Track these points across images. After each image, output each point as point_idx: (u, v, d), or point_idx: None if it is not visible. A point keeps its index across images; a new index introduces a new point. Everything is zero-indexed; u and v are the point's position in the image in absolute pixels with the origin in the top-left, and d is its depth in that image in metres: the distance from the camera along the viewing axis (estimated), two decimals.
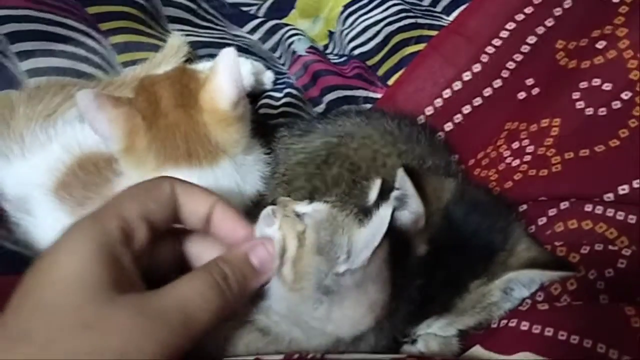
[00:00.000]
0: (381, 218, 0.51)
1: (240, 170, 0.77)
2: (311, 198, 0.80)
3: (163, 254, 0.56)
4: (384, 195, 0.68)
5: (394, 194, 0.68)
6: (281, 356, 0.52)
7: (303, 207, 0.57)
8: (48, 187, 0.76)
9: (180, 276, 0.49)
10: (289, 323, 0.56)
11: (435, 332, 0.66)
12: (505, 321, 0.65)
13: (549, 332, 0.60)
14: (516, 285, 0.65)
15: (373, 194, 0.66)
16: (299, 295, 0.54)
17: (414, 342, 0.66)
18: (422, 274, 0.62)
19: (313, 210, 0.57)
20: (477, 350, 0.64)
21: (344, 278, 0.53)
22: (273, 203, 0.59)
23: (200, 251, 0.57)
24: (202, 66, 0.89)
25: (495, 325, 0.67)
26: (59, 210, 0.75)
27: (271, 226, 0.56)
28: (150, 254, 0.52)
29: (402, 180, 0.66)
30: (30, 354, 0.41)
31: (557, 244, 0.71)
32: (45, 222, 0.75)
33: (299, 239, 0.54)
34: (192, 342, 0.46)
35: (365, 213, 0.55)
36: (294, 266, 0.54)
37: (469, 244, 0.65)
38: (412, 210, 0.66)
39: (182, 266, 0.56)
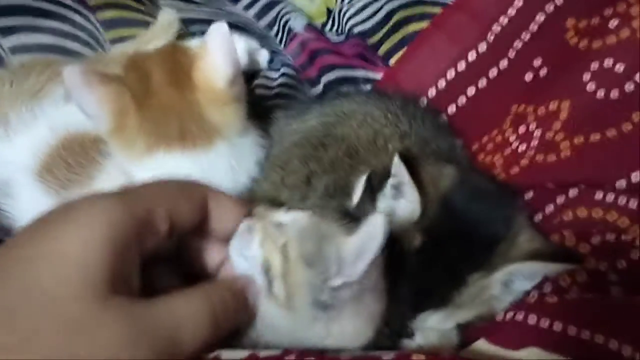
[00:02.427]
0: (375, 227, 0.48)
1: (236, 153, 0.74)
2: (308, 182, 0.78)
3: (165, 249, 0.51)
4: (378, 184, 0.66)
5: (390, 181, 0.65)
6: (279, 351, 0.50)
7: (282, 217, 0.54)
8: (31, 169, 0.73)
9: (176, 287, 0.46)
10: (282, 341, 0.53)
11: (432, 326, 0.64)
12: (511, 314, 0.63)
13: (557, 326, 0.58)
14: (517, 277, 0.62)
15: (357, 195, 0.63)
16: (294, 313, 0.51)
17: (411, 335, 0.64)
18: (418, 266, 0.59)
19: (292, 219, 0.54)
20: (482, 344, 0.62)
21: (341, 291, 0.50)
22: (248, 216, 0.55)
23: (208, 255, 0.54)
24: (194, 43, 0.86)
25: (500, 318, 0.64)
26: (42, 193, 0.72)
27: (250, 246, 0.52)
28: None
29: (398, 167, 0.63)
30: (9, 343, 0.37)
31: (565, 233, 0.68)
32: (27, 205, 0.73)
33: (283, 253, 0.51)
34: None
35: (349, 216, 0.54)
36: (284, 281, 0.51)
37: (468, 235, 0.62)
38: (409, 199, 0.63)
39: (180, 264, 0.53)
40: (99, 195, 0.45)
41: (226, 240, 0.53)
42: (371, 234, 0.49)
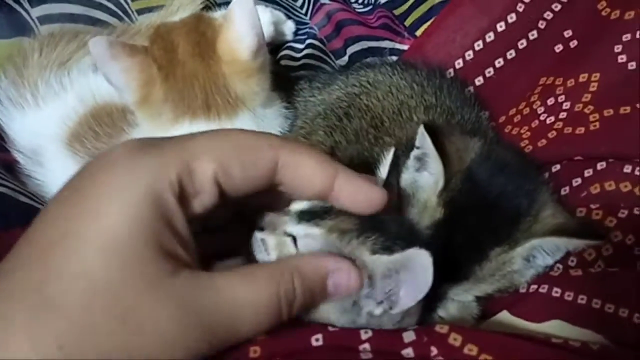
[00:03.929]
0: (422, 266, 0.45)
1: (260, 124, 0.74)
2: (332, 154, 0.77)
3: (219, 216, 0.45)
4: (402, 156, 0.64)
5: (414, 153, 0.64)
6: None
7: (293, 227, 0.50)
8: (61, 138, 0.74)
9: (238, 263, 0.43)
10: None
11: (452, 298, 0.63)
12: (535, 286, 0.62)
13: (582, 299, 0.57)
14: (540, 252, 0.62)
15: (383, 171, 0.61)
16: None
17: (432, 307, 0.63)
18: (439, 239, 0.58)
19: (305, 234, 0.49)
20: (504, 315, 0.61)
21: (381, 318, 0.49)
22: (260, 227, 0.50)
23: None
24: (219, 14, 0.86)
25: (524, 291, 0.63)
26: (71, 161, 0.73)
27: (266, 259, 0.49)
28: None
29: (422, 138, 0.62)
30: (54, 335, 0.33)
31: (592, 206, 0.67)
32: (56, 174, 0.74)
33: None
34: (212, 353, 0.39)
35: (368, 225, 0.49)
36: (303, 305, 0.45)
37: (491, 209, 0.61)
38: (432, 171, 0.63)
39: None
40: (132, 150, 0.39)
41: (311, 197, 0.47)
42: (415, 270, 0.46)
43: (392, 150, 0.57)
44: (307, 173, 0.44)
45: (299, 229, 0.50)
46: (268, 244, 0.49)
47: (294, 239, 0.49)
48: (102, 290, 0.35)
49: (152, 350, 0.35)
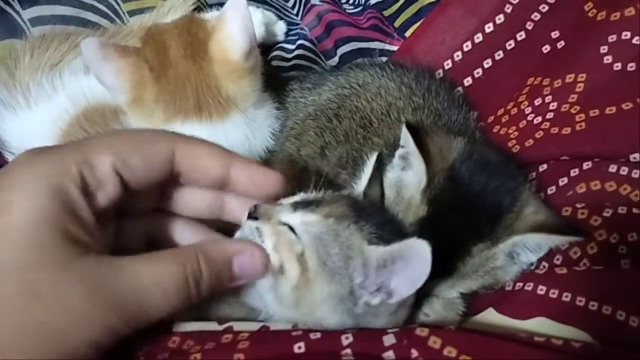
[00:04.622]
0: (421, 255, 0.47)
1: (251, 125, 0.75)
2: (322, 154, 0.78)
3: (137, 206, 0.49)
4: (388, 155, 0.66)
5: (399, 152, 0.65)
6: (290, 325, 0.51)
7: (289, 216, 0.51)
8: (53, 139, 0.75)
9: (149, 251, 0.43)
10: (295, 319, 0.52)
11: (436, 295, 0.64)
12: (520, 284, 0.63)
13: (566, 297, 0.58)
14: (522, 249, 0.63)
15: (366, 176, 0.63)
16: (314, 318, 0.50)
17: (417, 304, 0.64)
18: (423, 235, 0.59)
19: (303, 222, 0.50)
20: (490, 313, 0.62)
21: (377, 308, 0.50)
22: (254, 217, 0.51)
23: (191, 204, 0.51)
24: (210, 15, 0.86)
25: (509, 288, 0.64)
26: None
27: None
28: (118, 229, 0.47)
29: (405, 137, 0.63)
30: None
31: (578, 205, 0.68)
32: None
33: (300, 262, 0.49)
34: (133, 331, 0.41)
35: (362, 212, 0.52)
36: (297, 291, 0.49)
37: (474, 206, 0.62)
38: (415, 169, 0.64)
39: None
40: (33, 154, 0.42)
41: (213, 188, 0.50)
42: (413, 260, 0.47)
43: (375, 154, 0.58)
44: (204, 160, 0.48)
45: (295, 217, 0.51)
46: (263, 232, 0.50)
47: (291, 228, 0.50)
48: (11, 271, 0.38)
49: (66, 325, 0.38)
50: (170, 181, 0.49)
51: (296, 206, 0.52)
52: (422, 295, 0.61)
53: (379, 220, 0.53)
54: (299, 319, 0.50)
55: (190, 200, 0.51)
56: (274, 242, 0.49)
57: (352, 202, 0.55)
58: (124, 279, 0.40)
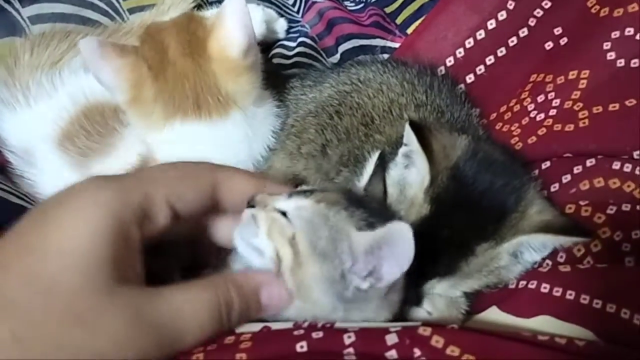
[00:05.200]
0: (403, 237, 0.47)
1: (251, 123, 0.75)
2: (323, 152, 0.78)
3: (175, 233, 0.50)
4: (391, 153, 0.65)
5: (402, 150, 0.65)
6: (290, 324, 0.50)
7: (283, 203, 0.53)
8: (52, 137, 0.74)
9: (185, 280, 0.45)
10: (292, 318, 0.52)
11: (439, 293, 0.64)
12: (524, 282, 0.63)
13: (570, 295, 0.58)
14: (527, 249, 0.62)
15: (368, 173, 0.63)
16: (309, 304, 0.50)
17: (419, 302, 0.64)
18: (426, 234, 0.59)
19: (296, 207, 0.52)
20: (493, 311, 0.62)
21: (367, 293, 0.50)
22: (250, 204, 0.53)
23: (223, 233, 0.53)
24: (210, 13, 0.86)
25: (513, 286, 0.64)
26: (62, 161, 0.73)
27: (257, 235, 0.51)
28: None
29: (409, 136, 0.63)
30: (11, 330, 0.37)
31: (581, 203, 0.67)
32: (48, 173, 0.74)
33: (292, 245, 0.50)
34: (164, 358, 0.42)
35: (354, 201, 0.53)
36: (294, 275, 0.50)
37: (477, 205, 0.62)
38: (418, 167, 0.63)
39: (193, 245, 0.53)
40: (97, 181, 0.44)
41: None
42: (396, 243, 0.48)
43: (378, 152, 0.58)
44: (241, 186, 0.52)
45: (289, 203, 0.52)
46: (258, 218, 0.51)
47: (285, 215, 0.51)
48: (60, 292, 0.38)
49: (104, 349, 0.39)
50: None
51: (292, 195, 0.54)
52: (422, 293, 0.61)
53: (370, 209, 0.53)
54: (302, 309, 0.51)
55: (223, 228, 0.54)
56: (267, 228, 0.51)
57: (345, 191, 0.56)
58: (163, 307, 0.42)
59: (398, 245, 0.48)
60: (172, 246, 0.52)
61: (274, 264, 0.50)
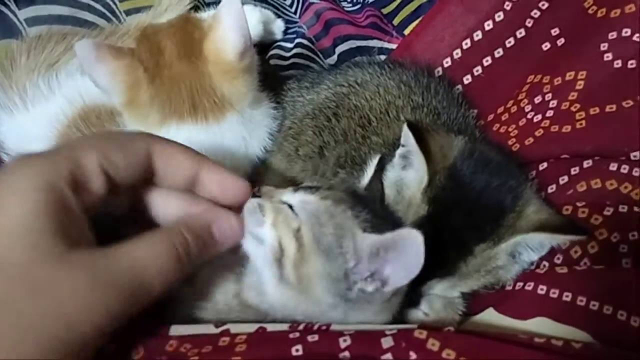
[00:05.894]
0: (414, 245, 0.47)
1: (248, 125, 0.75)
2: (320, 154, 0.78)
3: (116, 205, 0.51)
4: (388, 154, 0.65)
5: (399, 151, 0.65)
6: (286, 326, 0.50)
7: (289, 196, 0.53)
8: (49, 140, 0.74)
9: (136, 234, 0.45)
10: (288, 313, 0.52)
11: (437, 294, 0.64)
12: (521, 284, 0.63)
13: (567, 296, 0.58)
14: (524, 248, 0.62)
15: (368, 175, 0.63)
16: (309, 299, 0.51)
17: (417, 303, 0.64)
18: (424, 235, 0.60)
19: (302, 201, 0.52)
20: (490, 313, 0.62)
21: (372, 295, 0.50)
22: (255, 195, 0.54)
23: (163, 205, 0.52)
24: (207, 14, 0.86)
25: (510, 288, 0.64)
26: None
27: (262, 225, 0.51)
28: (102, 204, 0.48)
29: (406, 136, 0.63)
30: None
31: (579, 204, 0.67)
32: None
33: (297, 238, 0.50)
34: (138, 310, 0.43)
35: (359, 201, 0.53)
36: (297, 268, 0.50)
37: (475, 205, 0.62)
38: (416, 168, 0.63)
39: (137, 218, 0.52)
40: (25, 158, 0.44)
41: (183, 189, 0.52)
42: (406, 250, 0.48)
43: (377, 157, 0.59)
44: (177, 160, 0.51)
45: (295, 197, 0.53)
46: (265, 208, 0.52)
47: (291, 207, 0.52)
48: (13, 268, 0.39)
49: (72, 313, 0.39)
50: (144, 184, 0.51)
51: (297, 189, 0.54)
52: (420, 293, 0.61)
53: (375, 211, 0.54)
54: (301, 303, 0.51)
55: (161, 204, 0.53)
56: (273, 218, 0.51)
57: (351, 191, 0.56)
58: (120, 263, 0.43)
59: (408, 252, 0.48)
60: (125, 226, 0.51)
61: (273, 253, 0.50)
